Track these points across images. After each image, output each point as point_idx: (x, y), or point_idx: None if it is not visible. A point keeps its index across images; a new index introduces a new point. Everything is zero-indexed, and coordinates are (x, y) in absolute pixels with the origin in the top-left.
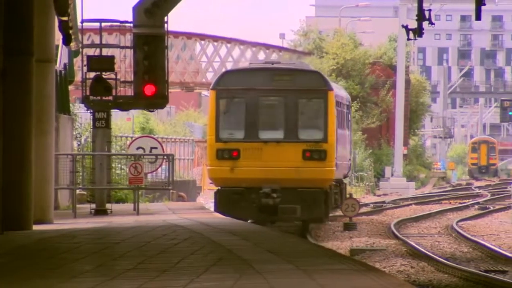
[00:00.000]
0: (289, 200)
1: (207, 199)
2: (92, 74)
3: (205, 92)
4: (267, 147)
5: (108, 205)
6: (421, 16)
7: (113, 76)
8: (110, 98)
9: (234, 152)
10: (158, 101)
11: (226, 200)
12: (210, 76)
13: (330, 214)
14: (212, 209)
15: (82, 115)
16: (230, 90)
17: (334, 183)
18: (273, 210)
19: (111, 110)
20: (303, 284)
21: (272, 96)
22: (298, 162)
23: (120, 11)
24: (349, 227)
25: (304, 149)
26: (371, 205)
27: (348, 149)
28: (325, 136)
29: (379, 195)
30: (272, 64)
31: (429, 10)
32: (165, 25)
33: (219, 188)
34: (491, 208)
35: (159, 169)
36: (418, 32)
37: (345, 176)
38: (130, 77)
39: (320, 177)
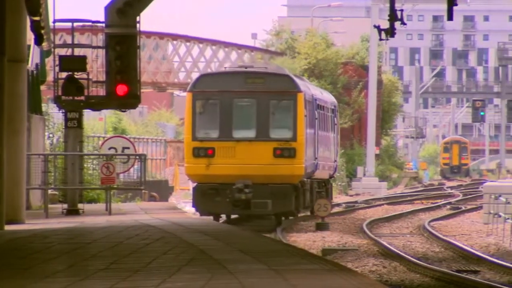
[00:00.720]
0: (261, 195)
1: (179, 199)
2: (64, 74)
3: (177, 92)
4: (240, 146)
5: (80, 205)
6: (393, 16)
7: (85, 76)
8: (82, 98)
9: (209, 150)
10: (130, 101)
11: (202, 195)
12: (182, 76)
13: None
14: (185, 209)
15: (55, 115)
16: (205, 92)
17: (319, 182)
18: (246, 205)
19: (83, 110)
20: (275, 284)
21: (245, 98)
22: (269, 160)
23: (92, 11)
24: (321, 227)
25: (275, 147)
26: (343, 205)
27: (333, 150)
28: (295, 135)
29: (351, 195)
30: (246, 67)
31: (401, 10)
32: (137, 25)
33: (196, 184)
34: (463, 208)
35: (131, 169)
36: (390, 32)
37: (330, 176)
38: (102, 77)
39: (289, 174)
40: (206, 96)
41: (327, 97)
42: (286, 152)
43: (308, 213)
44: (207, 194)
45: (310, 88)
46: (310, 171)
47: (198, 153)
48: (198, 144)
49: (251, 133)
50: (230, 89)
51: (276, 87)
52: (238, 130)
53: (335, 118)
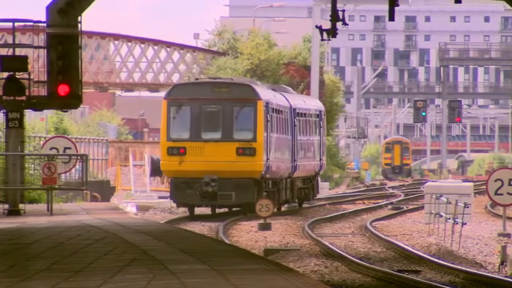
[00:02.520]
0: (226, 188)
1: (120, 199)
2: (5, 74)
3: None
4: (208, 145)
5: (21, 206)
6: (335, 16)
7: (26, 76)
8: (24, 98)
9: (182, 149)
10: (71, 101)
11: (175, 188)
12: (124, 76)
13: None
14: (126, 209)
15: None
16: (178, 99)
17: (303, 179)
18: (212, 196)
19: (24, 110)
20: (216, 284)
21: (212, 104)
22: (233, 157)
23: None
24: (263, 227)
25: (238, 147)
26: (286, 205)
27: (317, 151)
28: (255, 136)
29: None
30: (214, 78)
31: (343, 11)
32: (79, 25)
33: (171, 178)
34: (405, 208)
35: (73, 170)
36: (332, 32)
37: (316, 173)
38: (43, 77)
39: (250, 169)
40: (179, 103)
41: (311, 104)
42: (247, 151)
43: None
44: (180, 187)
45: (275, 96)
46: (277, 169)
47: (171, 151)
48: (172, 144)
49: (217, 135)
50: (200, 97)
51: (239, 95)
52: (206, 132)
53: (320, 122)
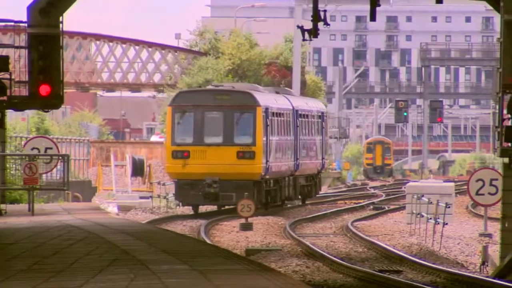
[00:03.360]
0: (227, 189)
1: (102, 199)
2: None
3: (100, 92)
4: (210, 149)
5: (2, 206)
6: (317, 16)
7: (7, 76)
8: (5, 98)
9: (185, 153)
10: (53, 102)
11: (180, 189)
12: (106, 77)
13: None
14: (108, 209)
15: None
16: (182, 106)
17: (306, 177)
18: (214, 197)
19: (5, 110)
20: (198, 285)
21: (214, 111)
22: (233, 160)
23: (15, 11)
24: (245, 227)
25: (238, 150)
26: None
27: (319, 150)
28: (254, 141)
29: None
30: (216, 86)
31: (325, 11)
32: (60, 25)
33: (175, 180)
34: (386, 208)
35: (54, 170)
36: (314, 32)
37: (318, 171)
38: (25, 77)
39: (250, 172)
40: (183, 109)
41: (313, 105)
42: (247, 154)
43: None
44: (184, 189)
45: (277, 100)
46: (277, 170)
47: (176, 155)
48: (176, 148)
49: (219, 139)
50: (202, 104)
51: (239, 102)
52: (209, 137)
53: (322, 123)
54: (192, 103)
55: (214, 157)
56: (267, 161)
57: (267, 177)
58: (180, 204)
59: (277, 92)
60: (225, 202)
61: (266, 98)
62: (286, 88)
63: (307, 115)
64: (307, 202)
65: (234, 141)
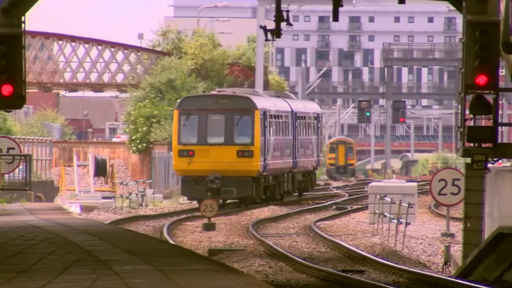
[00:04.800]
0: (228, 184)
1: (64, 199)
2: None
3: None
4: (212, 148)
5: None
6: (279, 17)
7: None
8: None
9: (190, 152)
10: (15, 102)
11: (185, 184)
12: (68, 76)
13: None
14: (70, 209)
15: None
16: (188, 109)
17: (303, 173)
18: (217, 191)
19: None
20: (160, 285)
21: (216, 114)
22: (234, 159)
23: None
24: (208, 227)
25: (238, 149)
26: (231, 205)
27: (315, 148)
28: (252, 141)
29: None
30: (218, 91)
31: (287, 11)
32: (23, 24)
33: (181, 176)
34: (349, 208)
35: (17, 170)
36: (277, 33)
37: (314, 168)
38: None
39: (248, 169)
40: (188, 112)
41: (310, 107)
42: (246, 153)
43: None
44: (189, 184)
45: (275, 104)
46: (275, 167)
47: (182, 154)
48: (182, 147)
49: (220, 140)
50: (206, 107)
51: (239, 106)
52: (211, 137)
53: (318, 123)
54: (197, 106)
55: (216, 156)
56: (265, 159)
57: (265, 173)
58: (187, 198)
59: (277, 96)
60: (227, 196)
61: (265, 102)
62: (286, 92)
63: (304, 117)
64: (305, 194)
65: (234, 141)
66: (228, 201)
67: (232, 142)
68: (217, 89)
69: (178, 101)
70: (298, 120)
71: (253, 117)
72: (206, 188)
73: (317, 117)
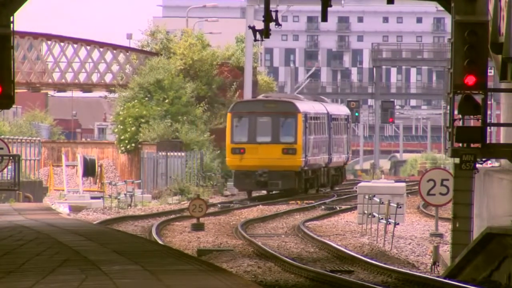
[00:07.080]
0: (274, 178)
1: (53, 199)
2: None
3: (51, 93)
4: (261, 146)
5: None
6: (268, 17)
7: None
8: None
9: (242, 149)
10: (4, 102)
11: (237, 178)
12: (57, 77)
13: (336, 188)
14: (59, 209)
15: None
16: (239, 112)
17: (335, 168)
18: (264, 184)
19: None
20: (149, 285)
21: (264, 116)
22: (279, 155)
23: None
24: (196, 227)
25: (283, 147)
26: (219, 205)
27: (345, 146)
28: (296, 140)
29: (227, 196)
30: (266, 97)
31: (276, 11)
32: (11, 24)
33: (234, 171)
34: (338, 209)
35: (5, 170)
36: (265, 33)
37: (344, 164)
38: None
39: (292, 164)
40: (240, 115)
41: (342, 110)
42: (290, 150)
43: (329, 189)
44: (240, 178)
45: (314, 107)
46: (314, 162)
47: (234, 151)
48: (235, 145)
49: (268, 139)
50: (255, 111)
51: (284, 110)
52: (260, 137)
53: (348, 124)
54: (247, 110)
55: (264, 153)
56: (306, 155)
57: (306, 168)
58: (237, 189)
59: (315, 100)
60: (273, 188)
61: (306, 106)
62: (322, 97)
63: (337, 118)
64: (335, 187)
65: (280, 140)
66: (272, 192)
67: (278, 141)
68: (263, 95)
69: (231, 105)
70: (332, 121)
71: (296, 119)
72: (255, 181)
73: (347, 118)
